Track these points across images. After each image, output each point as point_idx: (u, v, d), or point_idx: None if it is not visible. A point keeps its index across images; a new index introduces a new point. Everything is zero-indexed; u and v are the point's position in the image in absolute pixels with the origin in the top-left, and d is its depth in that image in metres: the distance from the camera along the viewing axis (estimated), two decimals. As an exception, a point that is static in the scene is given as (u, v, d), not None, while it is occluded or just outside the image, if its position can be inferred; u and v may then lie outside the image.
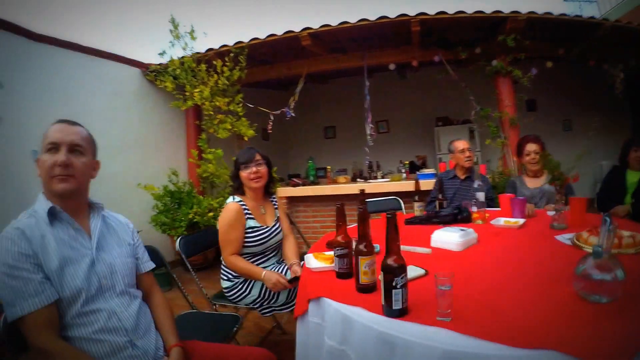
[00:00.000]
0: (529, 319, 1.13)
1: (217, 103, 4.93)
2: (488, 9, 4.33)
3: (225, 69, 4.84)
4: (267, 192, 2.63)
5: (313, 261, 1.86)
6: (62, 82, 4.32)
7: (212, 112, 5.01)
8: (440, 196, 3.03)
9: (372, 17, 4.46)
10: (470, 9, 4.33)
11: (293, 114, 5.49)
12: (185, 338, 1.63)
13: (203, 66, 4.83)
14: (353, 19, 4.48)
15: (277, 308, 2.41)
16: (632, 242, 1.67)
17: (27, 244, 1.30)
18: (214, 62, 4.83)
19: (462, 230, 2.03)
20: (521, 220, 2.49)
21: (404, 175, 5.61)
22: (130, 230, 1.70)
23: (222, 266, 2.49)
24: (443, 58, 5.03)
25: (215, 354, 1.63)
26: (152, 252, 1.93)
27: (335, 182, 5.92)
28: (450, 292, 1.15)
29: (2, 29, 3.74)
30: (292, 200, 5.70)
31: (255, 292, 2.37)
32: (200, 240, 2.83)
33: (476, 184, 3.05)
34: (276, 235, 2.52)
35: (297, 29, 4.66)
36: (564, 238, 2.01)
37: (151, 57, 5.33)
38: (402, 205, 3.84)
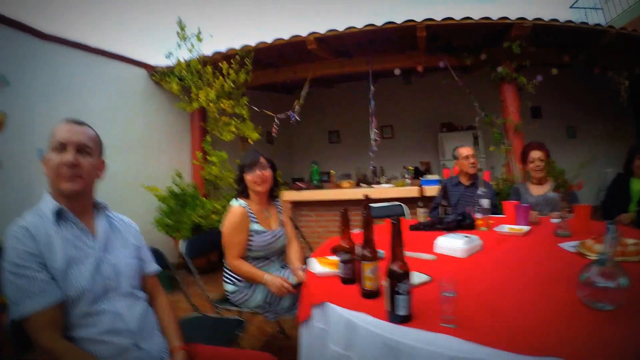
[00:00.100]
0: (533, 326, 1.12)
1: (222, 105, 4.95)
2: (494, 15, 4.34)
3: (231, 71, 4.86)
4: (272, 195, 2.62)
5: (317, 266, 1.86)
6: (68, 81, 4.35)
7: (217, 115, 5.03)
8: (444, 202, 3.03)
9: (370, 17, 4.49)
10: (474, 14, 4.34)
11: (298, 118, 5.50)
12: (188, 341, 1.63)
13: (209, 68, 4.85)
14: (352, 19, 4.52)
15: (281, 313, 2.40)
16: (636, 249, 1.67)
17: (32, 243, 1.30)
18: (220, 64, 4.85)
19: (466, 236, 2.03)
20: (525, 228, 2.49)
21: (408, 181, 5.60)
22: (135, 232, 1.70)
23: (225, 269, 2.49)
24: (448, 64, 5.03)
25: (219, 358, 1.63)
26: (156, 254, 1.93)
27: (339, 186, 5.92)
28: (455, 299, 1.15)
29: (9, 26, 3.78)
30: (296, 204, 5.70)
31: (259, 297, 2.37)
32: (203, 242, 2.83)
33: (480, 190, 3.04)
34: (280, 239, 2.52)
35: (297, 28, 4.73)
36: (568, 246, 2.01)
37: (157, 58, 5.37)
38: (406, 211, 3.84)
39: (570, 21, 4.54)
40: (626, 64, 5.19)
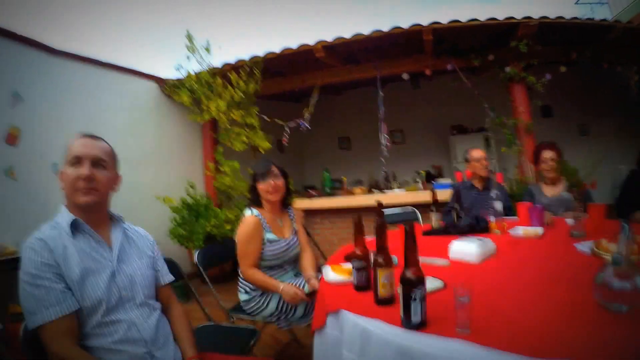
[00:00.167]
0: (548, 329, 1.11)
1: (233, 116, 4.99)
2: (499, 15, 4.34)
3: (240, 82, 4.90)
4: (284, 204, 2.64)
5: (331, 274, 1.86)
6: (80, 95, 4.46)
7: (228, 126, 5.07)
8: (456, 206, 3.01)
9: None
10: (478, 15, 4.35)
11: (308, 126, 5.52)
12: (203, 350, 1.64)
13: (218, 79, 4.91)
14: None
15: (294, 321, 2.41)
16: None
17: (49, 254, 1.33)
18: (229, 75, 4.89)
19: (480, 240, 2.01)
20: (540, 230, 2.46)
21: (420, 185, 5.58)
22: (150, 243, 1.73)
23: (240, 279, 2.50)
24: (456, 66, 5.03)
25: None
26: (171, 265, 1.95)
27: (351, 193, 5.91)
28: (469, 304, 1.15)
29: (22, 43, 3.89)
30: (308, 212, 5.71)
31: (273, 305, 2.37)
32: (217, 252, 2.86)
33: (493, 193, 3.02)
34: (293, 247, 2.53)
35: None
36: (584, 246, 1.98)
37: (167, 71, 5.45)
38: (419, 216, 3.82)
39: (576, 18, 4.51)
40: (634, 58, 5.14)
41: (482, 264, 1.89)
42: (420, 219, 3.79)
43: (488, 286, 1.53)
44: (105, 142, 1.55)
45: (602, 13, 8.51)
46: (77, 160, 1.42)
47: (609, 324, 1.11)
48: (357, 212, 1.85)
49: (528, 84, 4.78)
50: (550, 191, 3.37)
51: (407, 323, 1.20)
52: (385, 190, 5.86)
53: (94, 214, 1.48)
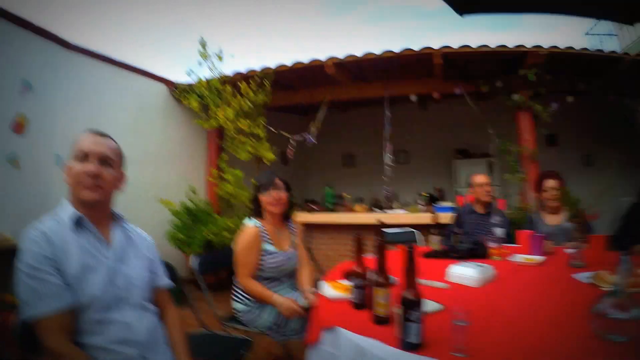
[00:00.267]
0: (545, 356, 1.11)
1: (240, 125, 5.01)
2: (509, 42, 4.38)
3: (250, 92, 4.94)
4: (286, 217, 2.64)
5: (329, 290, 1.86)
6: (90, 91, 4.50)
7: (235, 134, 5.09)
8: (457, 230, 3.00)
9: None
10: (488, 42, 4.40)
11: (315, 141, 5.54)
12: (194, 357, 1.62)
13: (228, 87, 4.94)
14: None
15: (289, 335, 2.38)
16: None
17: (49, 247, 1.32)
18: (239, 84, 4.94)
19: (480, 266, 2.01)
20: (540, 258, 2.46)
21: (421, 206, 5.56)
22: (150, 245, 1.72)
23: (235, 288, 2.49)
24: (464, 91, 5.06)
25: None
26: (168, 269, 1.94)
27: (352, 210, 5.90)
28: (467, 328, 1.14)
29: (38, 34, 3.93)
30: (308, 226, 5.67)
31: (268, 318, 2.35)
32: (215, 259, 2.84)
33: (494, 219, 3.02)
34: (292, 261, 2.52)
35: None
36: (583, 276, 1.97)
37: (178, 74, 5.49)
38: (419, 237, 3.81)
39: (585, 49, 4.55)
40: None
41: (481, 288, 1.89)
42: (420, 241, 3.78)
43: (486, 311, 1.53)
44: (113, 140, 1.56)
45: (611, 45, 8.59)
46: (84, 156, 1.43)
47: (605, 355, 1.11)
48: (357, 230, 1.85)
49: (535, 112, 4.80)
50: (551, 220, 3.36)
51: (403, 343, 1.20)
52: (386, 210, 5.85)
53: (96, 211, 1.48)
